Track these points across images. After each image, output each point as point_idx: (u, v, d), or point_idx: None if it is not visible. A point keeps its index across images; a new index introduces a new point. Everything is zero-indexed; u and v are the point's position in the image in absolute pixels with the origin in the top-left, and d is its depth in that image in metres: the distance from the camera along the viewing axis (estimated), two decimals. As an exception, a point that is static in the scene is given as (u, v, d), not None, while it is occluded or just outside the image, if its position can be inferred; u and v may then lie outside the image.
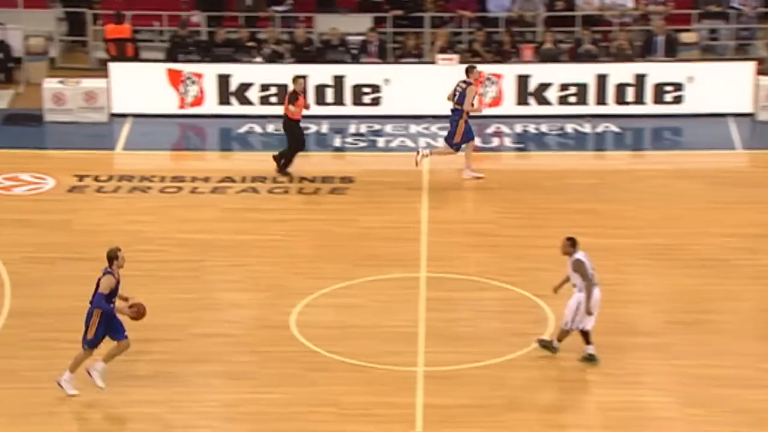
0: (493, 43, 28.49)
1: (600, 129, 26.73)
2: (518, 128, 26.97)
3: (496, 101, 27.33)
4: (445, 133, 24.83)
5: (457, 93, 24.19)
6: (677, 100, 26.78)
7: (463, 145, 24.42)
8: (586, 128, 26.87)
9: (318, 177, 24.90)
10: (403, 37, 28.99)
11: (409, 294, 20.43)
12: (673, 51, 27.88)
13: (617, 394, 17.84)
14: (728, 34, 28.79)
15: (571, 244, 18.16)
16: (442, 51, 28.00)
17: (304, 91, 24.74)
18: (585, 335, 18.32)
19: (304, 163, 25.38)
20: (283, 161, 24.84)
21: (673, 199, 23.61)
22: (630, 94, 27.01)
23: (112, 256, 17.40)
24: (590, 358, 18.36)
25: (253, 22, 29.51)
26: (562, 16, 29.00)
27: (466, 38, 28.96)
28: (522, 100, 27.28)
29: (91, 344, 17.52)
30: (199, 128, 27.60)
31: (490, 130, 26.99)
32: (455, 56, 27.66)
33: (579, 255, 18.09)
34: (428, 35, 29.05)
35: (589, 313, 18.14)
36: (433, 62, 27.80)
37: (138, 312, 17.46)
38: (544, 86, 27.09)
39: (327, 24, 29.25)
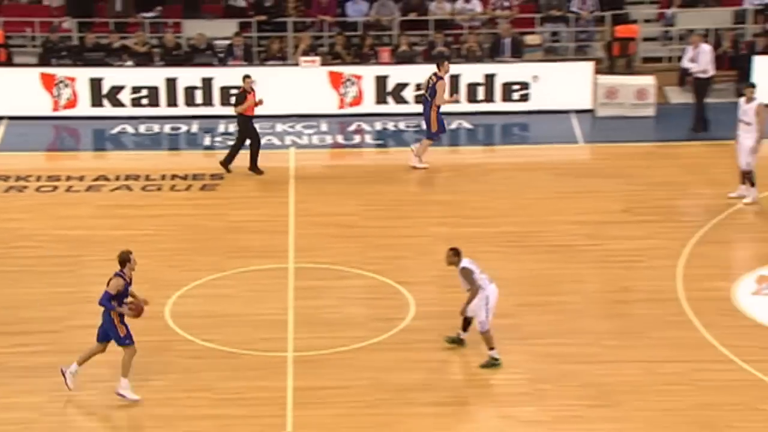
0: (353, 46, 28.54)
1: (454, 125, 26.92)
2: (378, 126, 27.06)
3: (357, 101, 27.39)
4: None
5: (429, 86, 24.24)
6: (524, 98, 27.09)
7: (441, 135, 24.47)
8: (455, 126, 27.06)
9: (189, 174, 24.73)
10: (267, 41, 28.89)
11: (279, 283, 20.40)
12: (519, 52, 28.17)
13: (474, 372, 18.00)
14: (568, 37, 29.16)
15: (455, 254, 17.99)
16: (305, 54, 27.99)
17: (252, 89, 24.46)
18: (466, 322, 18.37)
19: (175, 161, 25.19)
20: (250, 161, 24.56)
21: (521, 189, 23.87)
22: (480, 92, 27.25)
23: (125, 259, 17.00)
24: (459, 341, 18.44)
25: (123, 28, 29.20)
26: (416, 21, 29.15)
27: (328, 41, 28.97)
28: (381, 100, 27.38)
29: (126, 341, 17.09)
30: (73, 129, 27.24)
31: (352, 127, 27.05)
32: (317, 58, 27.66)
33: (464, 263, 17.99)
34: (291, 39, 29.00)
35: (462, 315, 18.18)
36: (296, 64, 27.76)
37: (137, 310, 17.03)
38: (401, 86, 27.22)
39: (194, 29, 29.05)
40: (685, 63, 25.70)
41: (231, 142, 25.82)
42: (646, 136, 25.73)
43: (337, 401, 17.35)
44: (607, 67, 28.28)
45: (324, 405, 17.26)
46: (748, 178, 22.70)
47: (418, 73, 27.16)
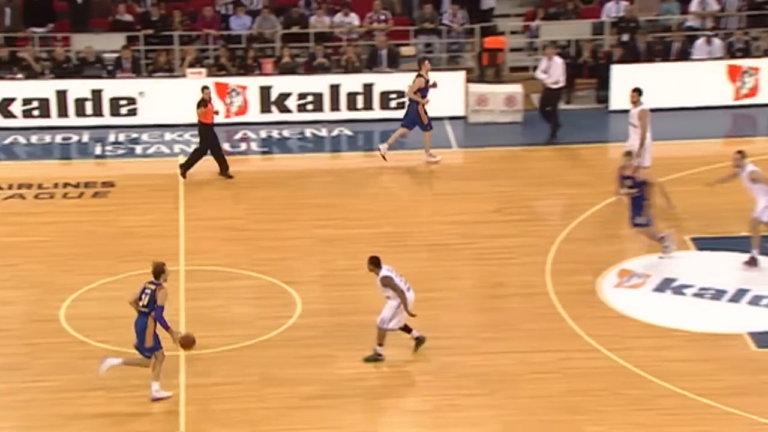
0: (237, 58, 28.41)
1: (335, 133, 26.94)
2: (263, 134, 26.97)
3: (242, 110, 27.27)
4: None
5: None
6: (401, 105, 27.14)
7: (428, 130, 24.60)
8: (323, 132, 27.06)
9: (81, 182, 24.42)
10: (154, 53, 28.64)
11: (170, 285, 20.08)
12: (395, 63, 28.27)
13: (358, 366, 18.02)
14: (441, 48, 29.33)
15: (374, 263, 17.89)
16: (191, 66, 27.79)
17: (210, 98, 24.37)
18: (406, 329, 18.36)
19: (67, 170, 24.85)
20: (221, 165, 24.33)
21: (400, 192, 23.97)
22: (360, 101, 27.30)
23: (161, 271, 16.93)
24: (419, 341, 18.36)
25: (13, 42, 28.71)
26: (297, 33, 29.11)
27: (213, 54, 28.78)
28: (265, 109, 27.30)
29: (151, 351, 16.95)
30: (-34, 141, 26.76)
31: (238, 136, 26.92)
32: (203, 70, 27.49)
33: (384, 271, 17.91)
34: (177, 52, 28.78)
35: (411, 315, 18.12)
36: (183, 76, 27.56)
37: (187, 343, 17.03)
38: (284, 96, 27.17)
39: (83, 43, 28.67)
40: (539, 74, 25.98)
41: (122, 151, 25.54)
42: (515, 141, 25.98)
43: (228, 397, 17.25)
44: (477, 76, 28.51)
45: (215, 401, 17.15)
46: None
47: (300, 83, 27.19)
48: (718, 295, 19.88)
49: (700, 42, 27.59)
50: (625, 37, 28.05)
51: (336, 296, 18.74)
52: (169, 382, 17.49)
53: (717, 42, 27.55)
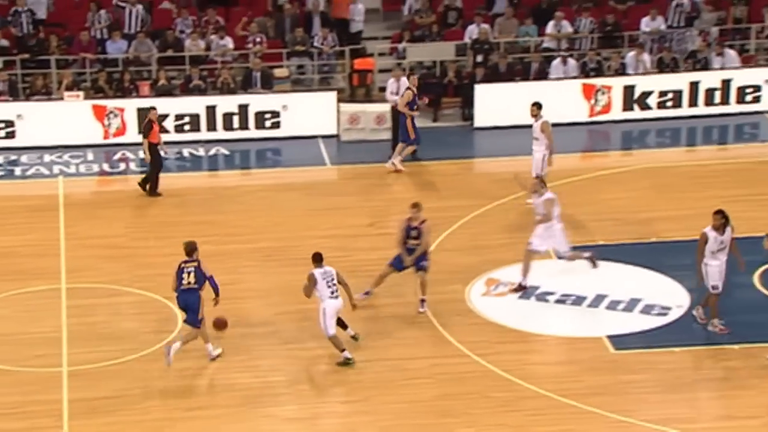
0: (114, 81, 28.12)
1: (212, 152, 26.82)
2: (141, 154, 26.71)
3: (121, 131, 26.99)
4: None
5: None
6: (275, 125, 27.19)
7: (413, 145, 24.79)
8: (200, 152, 26.91)
9: (-38, 204, 23.98)
10: (31, 77, 28.21)
11: (52, 303, 19.95)
12: (269, 84, 28.26)
13: (241, 377, 17.99)
14: (313, 69, 29.40)
15: (316, 259, 18.21)
16: (69, 89, 27.43)
17: (157, 119, 24.33)
18: (341, 324, 18.57)
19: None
20: (149, 184, 24.14)
21: (276, 208, 23.95)
22: (236, 121, 27.24)
23: (194, 248, 18.20)
24: (354, 338, 18.75)
25: None
26: (172, 56, 28.92)
27: (90, 77, 28.45)
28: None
29: (200, 321, 18.14)
30: None
31: (117, 156, 26.64)
32: (80, 93, 27.17)
33: (316, 272, 18.14)
34: (55, 75, 28.37)
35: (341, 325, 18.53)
36: (60, 99, 27.20)
37: (220, 324, 18.62)
38: (162, 117, 26.91)
39: (-38, 67, 28.15)
40: (388, 96, 26.19)
41: (1, 173, 25.11)
42: (386, 157, 26.13)
43: (111, 410, 17.08)
44: (348, 96, 28.64)
45: (99, 414, 16.97)
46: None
47: (177, 105, 27.02)
48: (579, 301, 20.23)
49: (556, 62, 28.09)
50: (480, 58, 28.41)
51: (216, 310, 18.64)
52: (53, 397, 17.25)
53: (572, 62, 28.08)
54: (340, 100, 27.64)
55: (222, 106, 27.18)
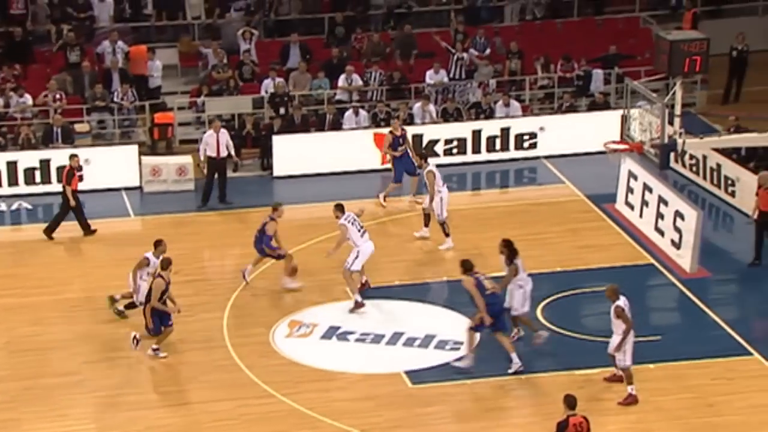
0: None
1: (14, 207, 26.14)
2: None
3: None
4: None
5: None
6: (79, 178, 26.57)
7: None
8: (2, 207, 26.21)
9: None
10: None
11: None
12: (70, 139, 27.78)
13: (51, 427, 17.55)
14: (114, 124, 29.03)
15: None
16: None
17: (80, 166, 24.45)
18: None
19: None
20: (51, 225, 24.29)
21: (81, 260, 23.53)
22: (38, 176, 26.66)
23: (169, 264, 19.41)
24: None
25: None
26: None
27: None
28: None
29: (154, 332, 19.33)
30: None
31: None
32: None
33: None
34: None
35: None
36: None
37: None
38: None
39: None
40: (201, 147, 26.12)
41: None
42: (188, 207, 25.96)
43: None
44: (150, 149, 28.40)
45: None
46: (443, 228, 23.55)
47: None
48: (377, 339, 20.49)
49: (348, 113, 28.48)
50: (282, 110, 28.60)
51: (21, 362, 18.19)
52: None
53: (363, 113, 28.52)
54: (141, 153, 27.39)
55: (23, 161, 26.58)
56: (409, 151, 25.93)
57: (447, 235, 23.54)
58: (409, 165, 25.78)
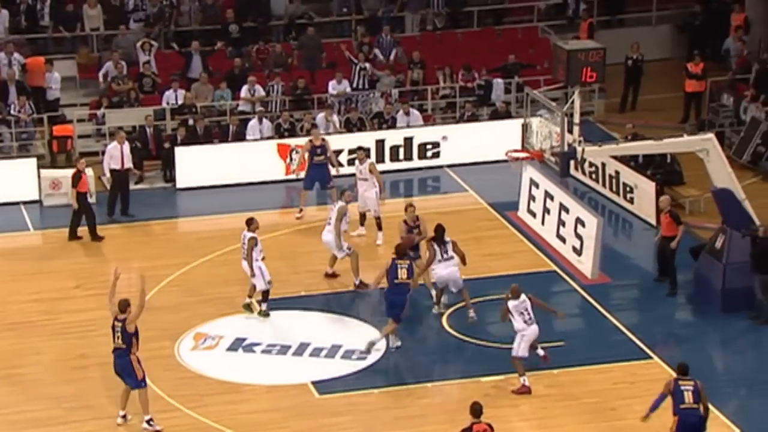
0: None
1: None
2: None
3: None
4: None
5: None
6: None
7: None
8: None
9: None
10: None
11: None
12: (-33, 152, 27.33)
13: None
14: (11, 137, 28.57)
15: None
16: None
17: (84, 170, 24.54)
18: None
19: None
20: (90, 231, 24.40)
21: (-21, 276, 23.13)
22: None
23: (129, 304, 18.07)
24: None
25: None
26: None
27: None
28: None
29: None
30: None
31: None
32: None
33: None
34: None
35: None
36: None
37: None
38: None
39: None
40: (105, 159, 25.85)
41: None
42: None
43: None
44: (49, 162, 28.01)
45: None
46: (377, 223, 23.91)
47: None
48: (284, 350, 20.45)
49: (252, 123, 28.39)
50: (190, 122, 28.44)
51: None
52: None
53: (267, 123, 28.45)
54: (40, 167, 26.99)
55: None
56: (329, 162, 25.79)
57: (380, 229, 24.12)
58: (323, 176, 25.70)
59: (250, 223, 21.22)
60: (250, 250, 20.90)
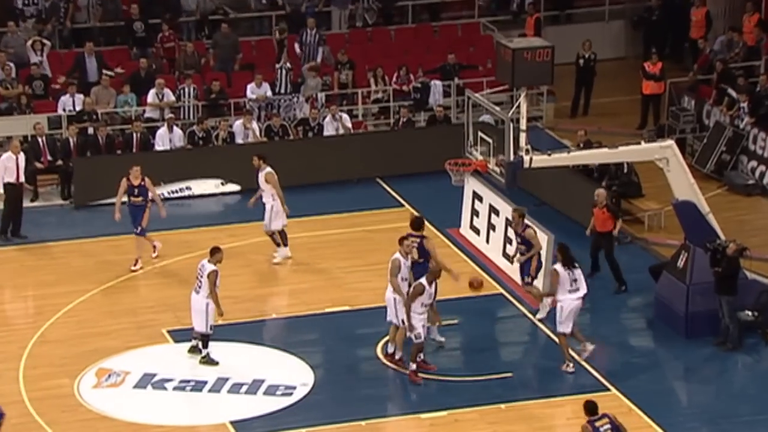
0: None
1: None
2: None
3: None
4: None
5: None
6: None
7: None
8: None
9: None
10: None
11: None
12: None
13: None
14: None
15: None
16: None
17: None
18: None
19: None
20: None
21: None
22: None
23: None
24: None
25: None
26: None
27: None
28: None
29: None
30: None
31: None
32: None
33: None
34: None
35: None
36: None
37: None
38: None
39: None
40: (3, 172, 25.59)
41: None
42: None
43: None
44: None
45: None
46: (273, 239, 23.90)
47: None
48: (199, 386, 20.36)
49: (161, 131, 28.27)
50: (90, 130, 28.26)
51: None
52: None
53: (178, 132, 28.34)
54: None
55: None
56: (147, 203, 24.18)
57: (278, 245, 23.95)
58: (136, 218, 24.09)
59: (214, 252, 20.52)
60: (212, 285, 20.34)
